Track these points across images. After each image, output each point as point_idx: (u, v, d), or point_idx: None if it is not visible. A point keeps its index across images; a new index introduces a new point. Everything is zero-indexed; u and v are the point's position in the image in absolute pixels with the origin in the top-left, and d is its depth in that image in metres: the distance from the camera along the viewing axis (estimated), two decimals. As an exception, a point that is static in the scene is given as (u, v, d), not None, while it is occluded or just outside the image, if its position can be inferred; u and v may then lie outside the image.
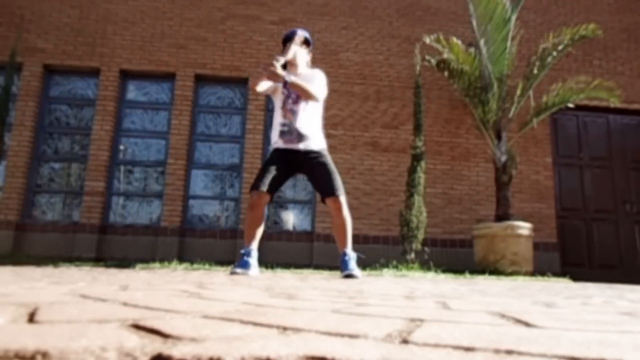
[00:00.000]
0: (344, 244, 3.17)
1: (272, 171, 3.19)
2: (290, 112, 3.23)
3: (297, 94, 3.21)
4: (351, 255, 3.15)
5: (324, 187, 3.18)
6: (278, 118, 3.28)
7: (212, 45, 6.72)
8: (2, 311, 0.70)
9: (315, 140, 3.25)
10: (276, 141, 3.27)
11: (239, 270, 3.04)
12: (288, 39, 3.32)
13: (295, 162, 3.23)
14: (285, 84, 3.15)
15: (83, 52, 6.55)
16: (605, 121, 7.21)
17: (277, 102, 3.32)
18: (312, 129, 3.25)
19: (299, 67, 3.33)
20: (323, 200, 3.22)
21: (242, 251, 3.18)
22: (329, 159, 3.25)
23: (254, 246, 3.19)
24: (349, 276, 3.03)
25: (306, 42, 3.38)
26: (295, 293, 1.40)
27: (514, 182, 6.17)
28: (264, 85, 3.23)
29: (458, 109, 6.75)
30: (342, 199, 3.16)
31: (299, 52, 3.31)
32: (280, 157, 3.24)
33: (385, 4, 7.10)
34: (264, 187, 3.12)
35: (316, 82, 3.24)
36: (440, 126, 6.74)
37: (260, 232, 3.21)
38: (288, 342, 0.52)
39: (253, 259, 3.14)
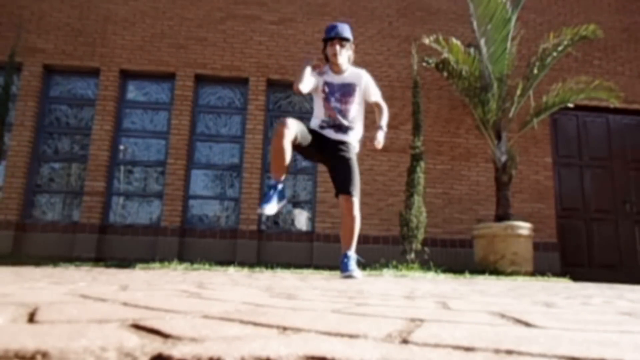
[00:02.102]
0: (349, 246, 3.16)
1: (308, 129, 3.18)
2: (333, 111, 3.25)
3: (340, 93, 3.24)
4: (352, 257, 3.15)
5: (342, 183, 3.19)
6: (320, 114, 3.29)
7: (212, 45, 6.72)
8: (2, 311, 0.70)
9: (352, 134, 3.30)
10: (315, 127, 3.29)
11: (267, 209, 2.95)
12: (329, 38, 3.27)
13: (324, 145, 3.23)
14: (326, 84, 3.24)
15: (83, 52, 6.55)
16: (605, 121, 7.21)
17: (318, 100, 3.31)
18: (353, 125, 3.30)
19: (342, 66, 3.29)
20: (337, 195, 3.22)
21: (269, 183, 3.13)
22: (354, 155, 3.29)
23: (281, 178, 3.05)
24: (349, 277, 3.02)
25: (347, 39, 3.31)
26: (295, 293, 1.40)
27: (514, 182, 6.16)
28: (307, 84, 3.16)
29: (458, 109, 6.74)
30: (356, 200, 3.17)
31: (340, 53, 3.25)
32: (314, 133, 3.25)
33: (385, 4, 7.09)
34: (293, 126, 2.97)
35: (376, 98, 3.36)
36: (440, 126, 6.74)
37: (286, 162, 2.99)
38: (288, 342, 0.52)
39: (279, 193, 3.03)
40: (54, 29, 6.59)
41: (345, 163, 3.20)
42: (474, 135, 6.59)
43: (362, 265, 3.55)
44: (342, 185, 3.17)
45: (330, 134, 3.26)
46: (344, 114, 3.26)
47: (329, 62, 3.31)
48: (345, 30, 3.30)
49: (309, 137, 3.13)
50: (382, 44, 6.95)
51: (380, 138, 3.31)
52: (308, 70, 3.15)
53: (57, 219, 6.23)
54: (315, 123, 3.30)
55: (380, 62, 6.87)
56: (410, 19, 7.06)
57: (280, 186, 3.03)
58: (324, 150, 3.25)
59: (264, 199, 3.01)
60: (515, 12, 5.81)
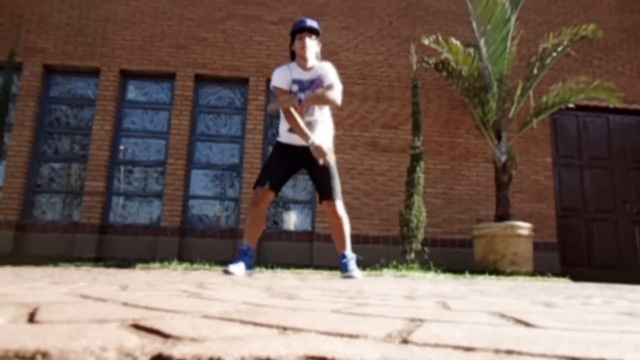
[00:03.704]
0: (343, 246, 3.17)
1: (277, 167, 3.20)
2: (302, 108, 3.18)
3: (310, 90, 3.18)
4: (350, 257, 3.15)
5: (323, 189, 3.20)
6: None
7: (212, 45, 6.72)
8: (2, 311, 0.70)
9: (323, 134, 3.23)
10: (283, 135, 3.24)
11: (232, 268, 2.96)
12: (298, 31, 3.23)
13: (299, 157, 3.21)
14: (294, 82, 3.18)
15: (83, 52, 6.55)
16: (605, 121, 7.20)
17: None
18: (322, 123, 3.25)
19: (309, 60, 3.22)
20: (320, 201, 3.27)
21: (241, 248, 3.13)
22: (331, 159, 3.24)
23: (254, 245, 3.17)
24: (349, 277, 3.03)
25: (315, 33, 3.26)
26: (295, 293, 1.40)
27: (514, 182, 6.16)
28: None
29: (458, 109, 6.74)
30: (339, 202, 3.17)
31: (309, 46, 3.20)
32: (283, 151, 3.24)
33: (385, 4, 7.09)
34: (269, 183, 3.12)
35: (330, 81, 3.16)
36: (440, 126, 6.74)
37: (261, 230, 3.22)
38: (288, 342, 0.52)
39: (251, 258, 3.11)
40: (54, 29, 6.59)
41: (324, 169, 3.15)
42: (474, 135, 6.59)
43: (362, 265, 3.55)
44: (324, 193, 3.19)
45: (299, 140, 3.15)
46: (312, 110, 3.19)
47: (294, 60, 3.26)
48: (315, 24, 3.28)
49: (280, 168, 3.20)
50: (382, 44, 6.95)
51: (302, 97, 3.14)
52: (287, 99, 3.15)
53: (57, 219, 6.23)
54: (283, 128, 3.24)
55: (380, 62, 6.87)
56: (410, 19, 7.06)
57: (251, 252, 3.11)
58: (299, 161, 3.23)
59: (240, 262, 3.02)
60: (515, 12, 5.81)
